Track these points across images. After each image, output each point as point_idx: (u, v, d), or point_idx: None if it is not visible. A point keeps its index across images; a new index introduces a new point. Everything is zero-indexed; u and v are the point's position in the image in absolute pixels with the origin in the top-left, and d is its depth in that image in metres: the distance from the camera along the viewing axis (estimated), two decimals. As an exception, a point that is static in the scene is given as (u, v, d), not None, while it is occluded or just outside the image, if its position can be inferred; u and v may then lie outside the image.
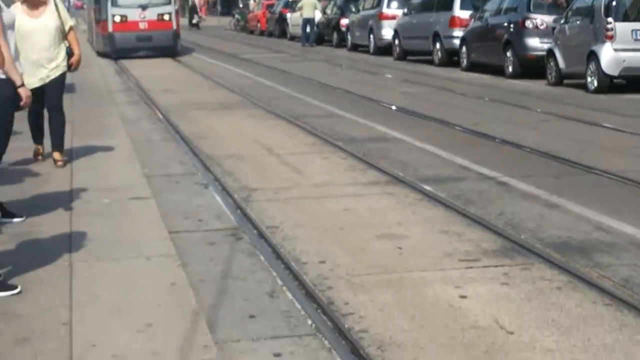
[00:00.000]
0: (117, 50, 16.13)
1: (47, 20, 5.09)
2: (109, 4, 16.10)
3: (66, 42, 5.27)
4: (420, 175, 5.13)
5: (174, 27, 16.63)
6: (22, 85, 3.35)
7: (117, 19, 16.04)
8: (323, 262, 3.18)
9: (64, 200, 4.33)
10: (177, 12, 17.48)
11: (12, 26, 3.79)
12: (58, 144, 5.35)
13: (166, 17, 16.45)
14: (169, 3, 16.70)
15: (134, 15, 16.11)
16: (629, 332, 2.32)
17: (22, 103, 3.39)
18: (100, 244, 3.44)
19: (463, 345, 2.24)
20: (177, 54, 16.80)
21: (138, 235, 3.64)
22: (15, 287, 2.69)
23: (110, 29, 16.11)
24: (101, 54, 17.20)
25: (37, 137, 5.54)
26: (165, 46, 16.42)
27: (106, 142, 6.45)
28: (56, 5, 5.23)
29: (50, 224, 3.77)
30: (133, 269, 3.12)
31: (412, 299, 2.72)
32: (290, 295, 2.74)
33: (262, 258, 3.25)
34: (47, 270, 3.02)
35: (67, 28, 5.25)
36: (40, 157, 5.51)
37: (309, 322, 2.44)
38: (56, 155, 5.31)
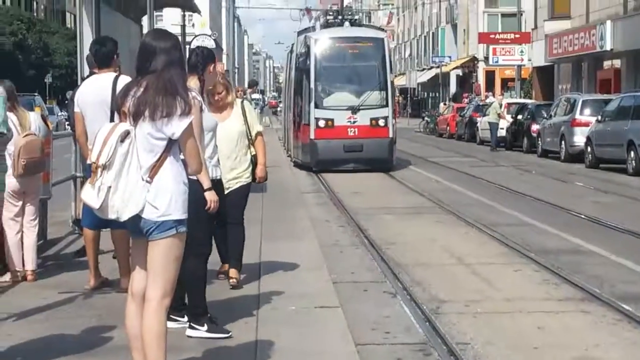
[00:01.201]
0: (319, 162, 13.29)
1: (230, 125, 4.54)
2: (312, 104, 13.26)
3: (252, 149, 4.72)
4: (618, 293, 4.89)
5: (391, 134, 13.59)
6: (210, 189, 3.26)
7: (322, 123, 13.17)
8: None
9: (251, 305, 4.19)
10: (394, 114, 14.56)
11: (211, 129, 3.70)
12: (235, 261, 4.69)
13: (381, 123, 13.35)
14: (386, 105, 13.70)
15: (341, 119, 13.23)
16: None
17: (207, 208, 3.27)
18: (286, 356, 3.28)
19: None
20: (391, 168, 13.72)
21: (324, 347, 3.48)
22: None
23: (312, 135, 13.26)
24: (299, 165, 14.56)
25: (222, 251, 4.80)
26: (378, 158, 13.42)
27: (295, 244, 6.37)
28: (243, 108, 4.74)
29: (236, 331, 3.63)
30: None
31: None
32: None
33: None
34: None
35: (253, 134, 4.72)
36: (222, 276, 4.83)
37: None
38: (232, 272, 4.63)
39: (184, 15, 15.91)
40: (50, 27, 40.63)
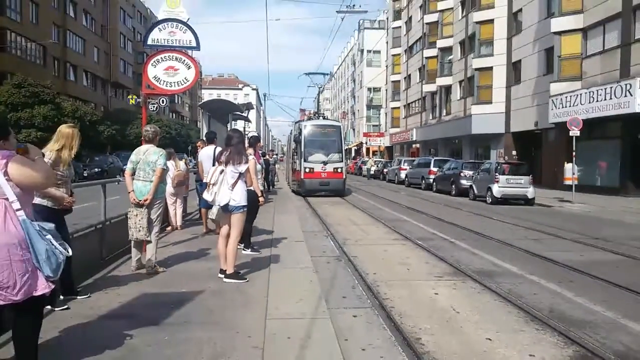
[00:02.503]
0: (306, 190, 22.50)
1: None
2: (302, 159, 22.57)
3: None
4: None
5: (344, 176, 23.14)
6: (262, 194, 7.71)
7: (307, 169, 22.43)
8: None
9: (269, 240, 10.15)
10: (346, 166, 25.54)
11: (259, 170, 9.65)
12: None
13: (339, 170, 22.84)
14: (341, 161, 23.24)
15: (317, 167, 22.45)
16: None
17: (259, 203, 7.83)
18: (282, 259, 7.85)
19: None
20: (344, 195, 23.14)
21: (298, 257, 8.47)
22: (244, 278, 6.52)
23: (302, 176, 22.52)
24: (295, 192, 24.07)
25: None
26: (337, 189, 22.86)
27: (287, 217, 13.04)
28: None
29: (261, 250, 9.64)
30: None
31: None
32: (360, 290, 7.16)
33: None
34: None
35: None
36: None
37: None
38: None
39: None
40: (192, 127, 75.41)
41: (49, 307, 4.87)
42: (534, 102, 29.83)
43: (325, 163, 22.50)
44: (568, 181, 21.43)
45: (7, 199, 3.18)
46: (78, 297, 5.42)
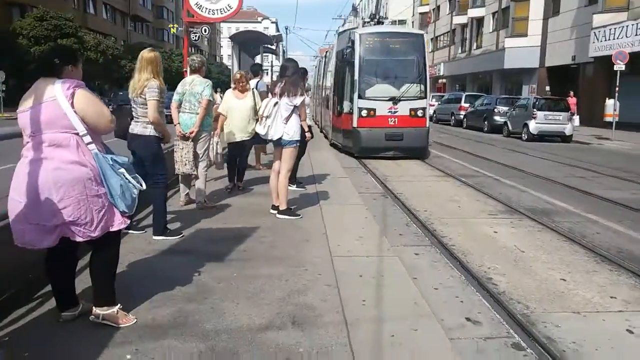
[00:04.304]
0: (362, 149, 13.50)
1: (245, 102, 7.63)
2: (356, 95, 13.52)
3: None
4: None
5: (427, 124, 13.80)
6: (309, 129, 6.62)
7: (364, 112, 13.47)
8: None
9: (313, 178, 9.91)
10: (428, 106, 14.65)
11: (307, 104, 8.89)
12: (240, 177, 7.94)
13: (420, 113, 13.61)
14: (424, 97, 13.83)
15: (382, 109, 13.47)
16: None
17: (307, 138, 6.72)
18: (329, 195, 7.53)
19: None
20: (426, 156, 14.03)
21: (345, 192, 8.32)
22: (298, 214, 6.21)
23: (354, 123, 13.54)
24: (340, 149, 14.91)
25: (232, 176, 7.94)
26: (417, 147, 13.64)
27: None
28: (253, 93, 7.75)
29: (308, 187, 9.25)
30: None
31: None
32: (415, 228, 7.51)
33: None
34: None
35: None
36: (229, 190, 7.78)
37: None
38: (238, 183, 7.92)
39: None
40: (211, 62, 70.32)
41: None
42: (573, 35, 28.37)
43: (396, 101, 13.57)
44: (609, 118, 20.62)
45: (77, 133, 2.94)
46: (132, 232, 5.29)
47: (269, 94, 6.30)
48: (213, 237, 5.27)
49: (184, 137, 6.30)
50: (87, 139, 2.97)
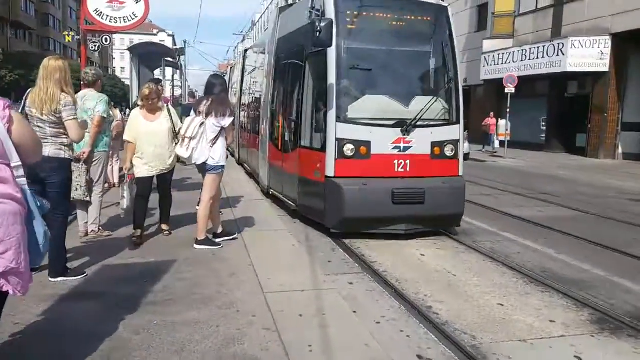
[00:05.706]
0: (347, 221, 6.70)
1: (160, 124, 5.92)
2: (331, 115, 6.77)
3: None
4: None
5: (461, 171, 7.34)
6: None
7: (348, 149, 6.73)
8: None
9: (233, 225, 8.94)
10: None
11: None
12: (166, 218, 6.35)
13: (448, 152, 7.13)
14: (456, 120, 7.29)
15: (383, 142, 6.84)
16: None
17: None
18: (245, 220, 7.23)
19: None
20: (459, 224, 7.38)
21: (259, 215, 8.38)
22: (218, 243, 5.62)
23: (329, 170, 6.78)
24: (305, 219, 7.69)
25: (141, 222, 5.92)
26: (447, 215, 7.09)
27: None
28: (169, 112, 6.07)
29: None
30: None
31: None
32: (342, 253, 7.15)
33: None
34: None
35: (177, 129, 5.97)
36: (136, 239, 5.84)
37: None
38: (164, 226, 6.33)
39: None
40: (104, 74, 61.22)
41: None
42: (464, 59, 30.17)
43: (406, 128, 6.84)
44: (502, 137, 22.02)
45: (8, 164, 2.31)
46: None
47: (193, 113, 5.66)
48: (123, 276, 4.58)
49: (76, 159, 5.49)
50: (20, 171, 2.36)
